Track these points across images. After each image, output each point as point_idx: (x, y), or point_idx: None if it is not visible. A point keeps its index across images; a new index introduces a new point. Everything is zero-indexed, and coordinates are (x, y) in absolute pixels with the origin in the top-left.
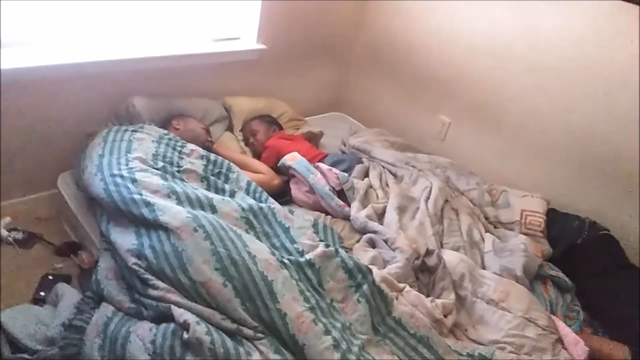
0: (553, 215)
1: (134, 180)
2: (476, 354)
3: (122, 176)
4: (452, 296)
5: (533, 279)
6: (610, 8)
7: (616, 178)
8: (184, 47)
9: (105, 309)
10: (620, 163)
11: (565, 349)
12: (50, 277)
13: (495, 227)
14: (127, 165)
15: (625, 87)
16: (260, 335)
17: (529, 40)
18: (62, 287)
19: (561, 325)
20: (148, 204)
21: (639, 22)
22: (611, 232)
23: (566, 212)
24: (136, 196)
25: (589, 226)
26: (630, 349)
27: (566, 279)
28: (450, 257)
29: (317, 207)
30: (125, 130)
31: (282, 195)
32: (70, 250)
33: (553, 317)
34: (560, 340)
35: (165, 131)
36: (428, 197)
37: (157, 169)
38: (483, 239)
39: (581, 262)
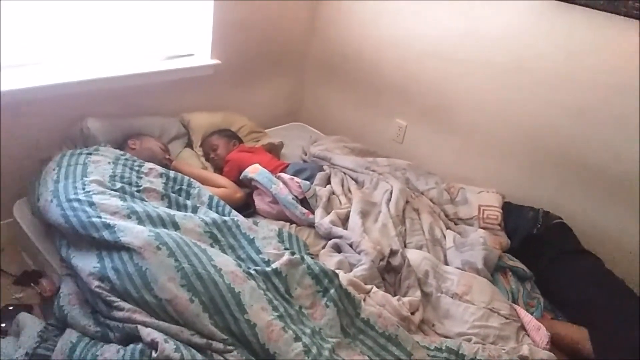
0: (508, 208)
1: (91, 204)
2: (444, 347)
3: (79, 200)
4: (418, 293)
5: (494, 270)
6: (546, 7)
7: (565, 168)
8: (137, 66)
9: (70, 335)
10: (568, 154)
11: (528, 335)
12: (11, 308)
13: (455, 224)
14: (83, 189)
15: (564, 81)
16: (230, 347)
17: (474, 42)
18: (23, 317)
19: (523, 313)
20: (108, 226)
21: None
22: (564, 220)
23: (521, 204)
24: (95, 219)
25: (542, 216)
26: (588, 331)
27: (525, 268)
28: (413, 255)
29: (281, 217)
30: (80, 154)
31: (246, 207)
32: (30, 279)
33: (515, 305)
34: (522, 328)
35: (122, 152)
36: (389, 200)
37: (115, 190)
38: (444, 236)
39: (538, 250)
